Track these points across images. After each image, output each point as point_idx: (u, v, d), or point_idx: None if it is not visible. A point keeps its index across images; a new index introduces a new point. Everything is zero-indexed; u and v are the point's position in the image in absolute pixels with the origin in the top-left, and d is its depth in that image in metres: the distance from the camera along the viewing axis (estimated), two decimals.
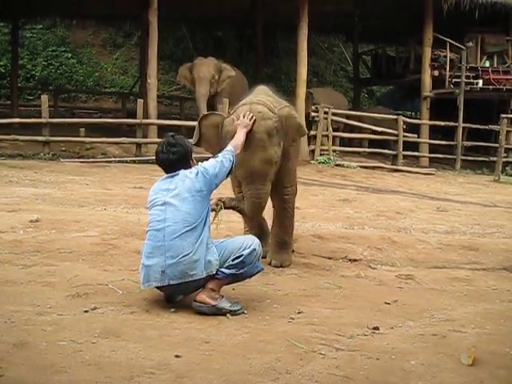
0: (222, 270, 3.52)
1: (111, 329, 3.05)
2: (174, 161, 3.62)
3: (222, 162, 3.71)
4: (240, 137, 4.01)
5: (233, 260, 3.53)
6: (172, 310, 3.44)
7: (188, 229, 3.44)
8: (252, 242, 3.63)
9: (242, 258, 3.53)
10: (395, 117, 14.32)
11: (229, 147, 3.87)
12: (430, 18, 14.46)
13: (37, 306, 3.37)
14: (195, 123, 4.72)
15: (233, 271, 3.54)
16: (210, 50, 16.95)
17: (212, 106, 12.72)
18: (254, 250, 3.58)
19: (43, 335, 2.90)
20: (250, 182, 4.17)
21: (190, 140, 4.06)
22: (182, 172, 3.61)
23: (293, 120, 4.40)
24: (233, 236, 4.11)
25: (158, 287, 3.53)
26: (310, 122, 13.02)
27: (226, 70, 13.41)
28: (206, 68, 13.11)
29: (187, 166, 3.67)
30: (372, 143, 15.05)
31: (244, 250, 3.54)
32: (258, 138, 4.08)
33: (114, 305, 3.46)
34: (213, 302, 3.46)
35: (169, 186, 3.58)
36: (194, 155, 3.76)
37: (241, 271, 3.56)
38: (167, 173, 3.67)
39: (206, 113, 4.73)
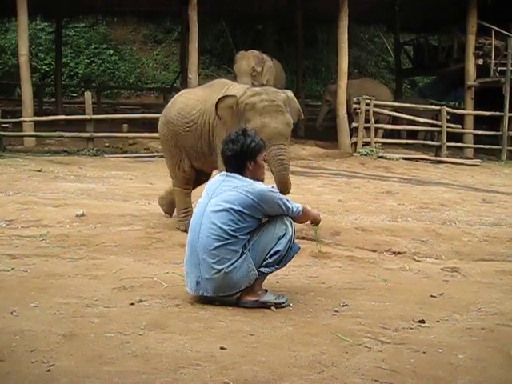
0: (262, 270, 3.39)
1: (157, 321, 3.08)
2: (228, 157, 3.45)
3: (291, 206, 3.48)
4: (312, 212, 3.74)
5: (270, 257, 3.38)
6: (216, 302, 3.45)
7: (219, 244, 3.29)
8: (285, 227, 3.43)
9: (279, 254, 3.40)
10: (438, 107, 14.05)
11: (302, 207, 3.58)
12: (474, 4, 14.12)
13: (84, 298, 3.43)
14: None
15: (273, 268, 3.44)
16: (249, 43, 16.93)
17: None
18: (290, 237, 3.43)
19: (91, 327, 2.95)
20: (275, 142, 4.54)
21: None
22: (240, 181, 3.40)
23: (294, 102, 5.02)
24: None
25: None
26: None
27: (267, 61, 13.27)
28: (245, 62, 13.03)
29: (242, 167, 3.44)
30: (412, 134, 14.84)
31: (279, 242, 3.38)
32: (277, 104, 4.65)
33: (160, 297, 3.50)
34: (256, 298, 3.42)
35: (217, 186, 3.43)
36: None
37: (281, 264, 3.47)
38: (226, 170, 3.50)
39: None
